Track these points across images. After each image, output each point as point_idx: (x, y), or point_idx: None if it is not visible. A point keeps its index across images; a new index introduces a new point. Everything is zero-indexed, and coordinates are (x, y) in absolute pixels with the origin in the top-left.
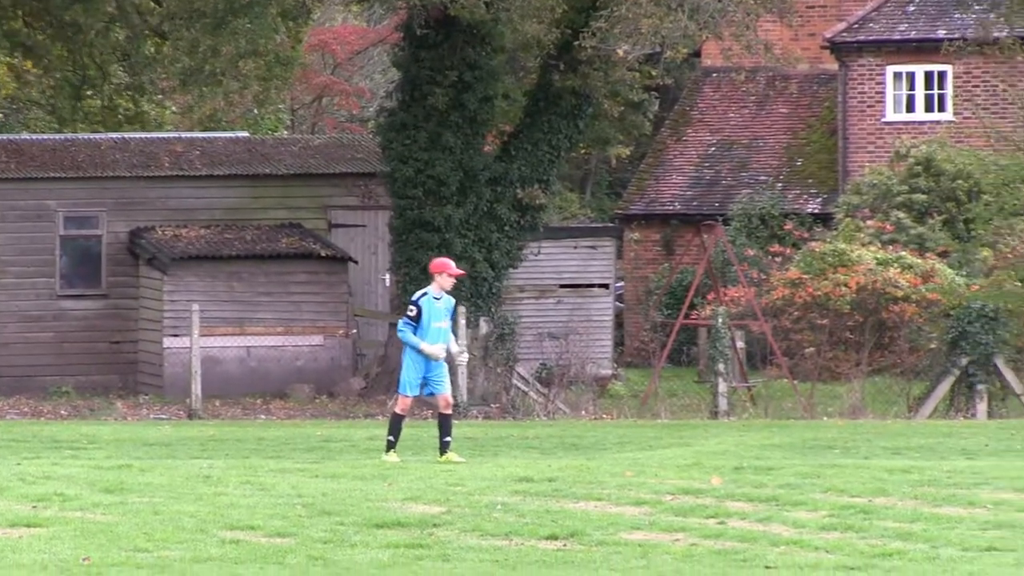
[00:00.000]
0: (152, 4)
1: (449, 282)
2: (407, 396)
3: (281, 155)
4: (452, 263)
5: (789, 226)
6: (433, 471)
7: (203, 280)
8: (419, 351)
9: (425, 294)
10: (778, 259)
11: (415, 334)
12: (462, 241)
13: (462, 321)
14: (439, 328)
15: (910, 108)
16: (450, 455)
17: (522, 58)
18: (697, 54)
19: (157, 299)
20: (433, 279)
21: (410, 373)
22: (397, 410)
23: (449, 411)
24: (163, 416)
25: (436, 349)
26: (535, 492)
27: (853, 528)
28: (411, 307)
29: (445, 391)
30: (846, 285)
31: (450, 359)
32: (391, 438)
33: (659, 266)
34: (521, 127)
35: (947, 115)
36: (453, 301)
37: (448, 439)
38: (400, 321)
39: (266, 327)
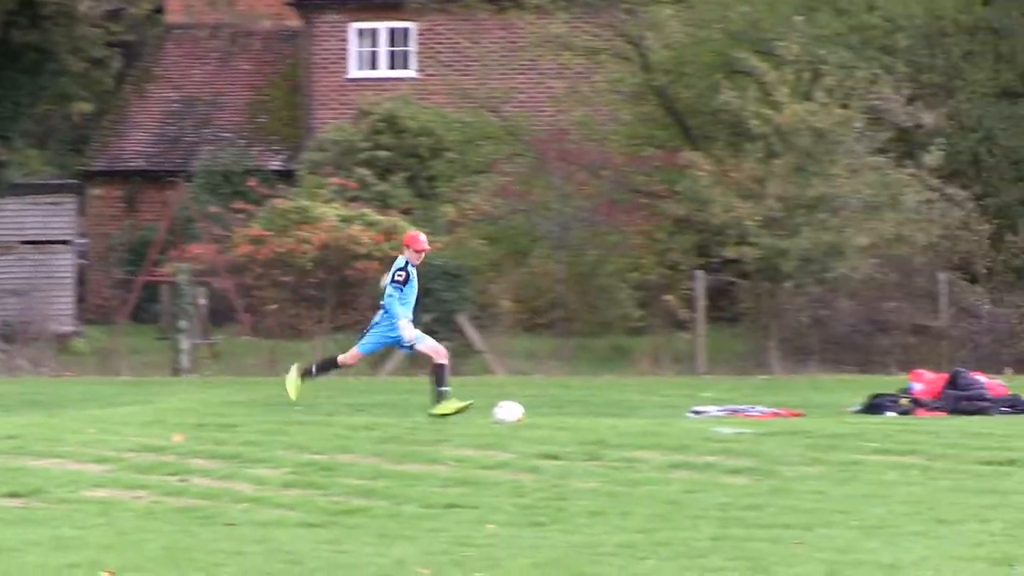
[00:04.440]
0: None
1: (417, 257)
2: (418, 343)
3: None
4: (424, 237)
5: (252, 183)
6: None
7: None
8: (399, 325)
9: (407, 261)
10: (241, 216)
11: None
12: None
13: None
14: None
15: (374, 65)
16: None
17: None
18: (160, 10)
19: None
20: (406, 250)
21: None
22: (437, 361)
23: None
24: None
25: (409, 333)
26: None
27: (315, 485)
28: (400, 272)
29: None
30: (309, 242)
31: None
32: (446, 388)
33: (122, 223)
34: None
35: (411, 72)
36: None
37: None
38: (390, 286)
39: None
